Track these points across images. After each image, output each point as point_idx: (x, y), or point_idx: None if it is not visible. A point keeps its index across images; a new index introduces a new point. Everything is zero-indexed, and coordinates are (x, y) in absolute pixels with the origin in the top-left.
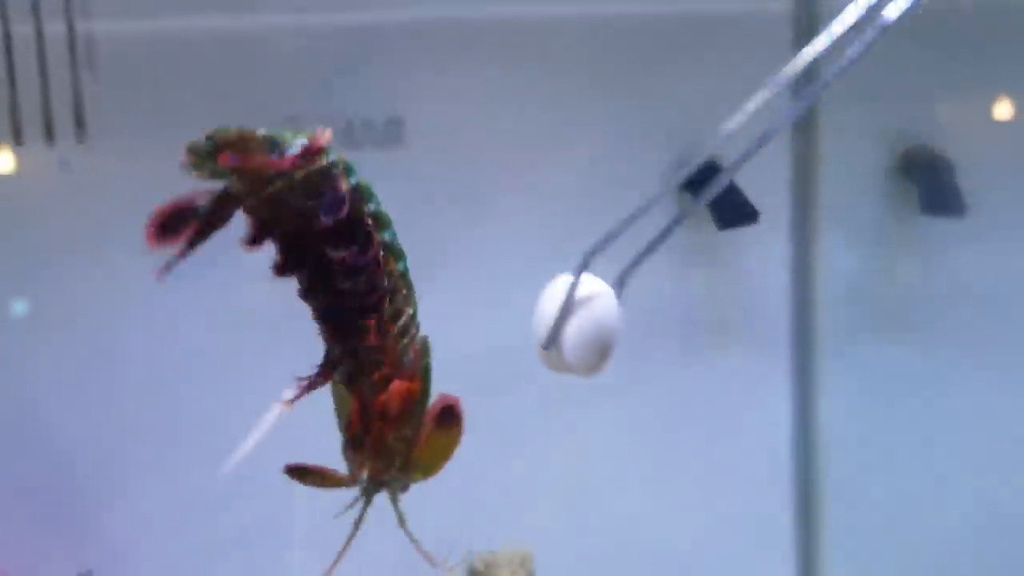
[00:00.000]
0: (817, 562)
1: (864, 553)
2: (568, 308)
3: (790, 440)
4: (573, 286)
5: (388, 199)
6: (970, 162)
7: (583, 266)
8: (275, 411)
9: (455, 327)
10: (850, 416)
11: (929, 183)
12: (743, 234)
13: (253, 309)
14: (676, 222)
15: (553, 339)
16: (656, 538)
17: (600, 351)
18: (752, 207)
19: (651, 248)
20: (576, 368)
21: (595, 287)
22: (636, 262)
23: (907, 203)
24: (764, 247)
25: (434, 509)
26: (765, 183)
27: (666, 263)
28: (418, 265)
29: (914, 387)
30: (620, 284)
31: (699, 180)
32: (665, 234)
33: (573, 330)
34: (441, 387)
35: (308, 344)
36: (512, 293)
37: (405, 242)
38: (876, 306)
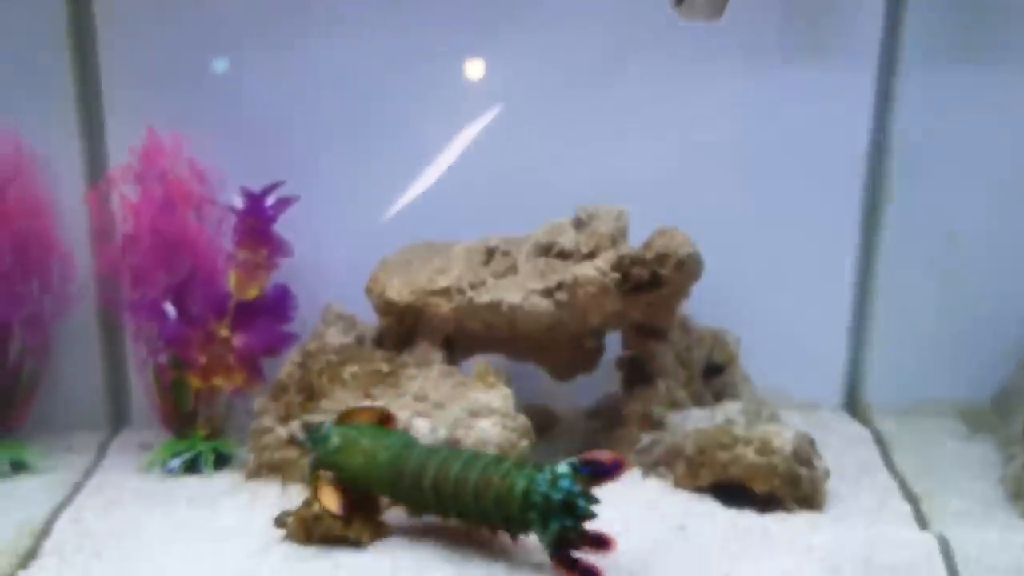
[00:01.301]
0: (874, 274)
1: (917, 268)
2: None
3: (866, 151)
4: None
5: None
6: None
7: None
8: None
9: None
10: (925, 134)
11: None
12: None
13: None
14: None
15: None
16: (728, 232)
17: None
18: None
19: None
20: (704, 15)
21: None
22: None
23: None
24: None
25: (560, 174)
26: None
27: None
28: None
29: (990, 110)
30: None
31: None
32: None
33: None
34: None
35: None
36: None
37: None
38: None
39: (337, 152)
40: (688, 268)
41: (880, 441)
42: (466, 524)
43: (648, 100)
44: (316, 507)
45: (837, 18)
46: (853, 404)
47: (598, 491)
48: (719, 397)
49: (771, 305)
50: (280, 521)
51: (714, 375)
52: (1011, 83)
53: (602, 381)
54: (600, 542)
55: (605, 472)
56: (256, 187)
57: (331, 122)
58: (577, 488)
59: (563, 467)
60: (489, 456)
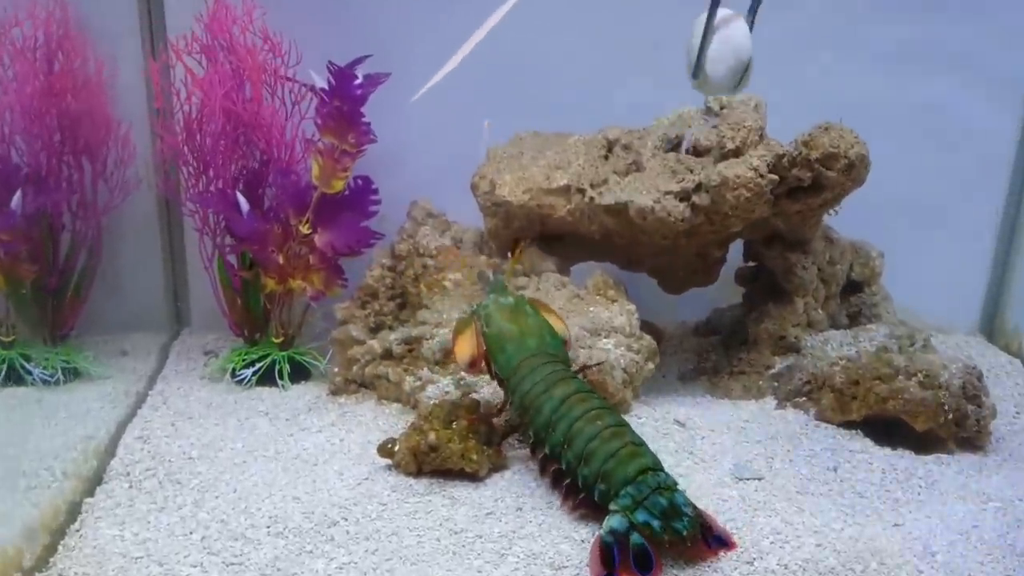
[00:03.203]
0: None
1: None
2: (706, 40)
3: None
4: (708, 20)
5: None
6: None
7: (715, 4)
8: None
9: None
10: None
11: None
12: None
13: None
14: None
15: (698, 69)
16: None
17: (737, 71)
18: None
19: None
20: (721, 89)
21: (727, 17)
22: None
23: None
24: None
25: None
26: None
27: None
28: None
29: None
30: (753, 9)
31: None
32: None
33: (713, 58)
34: None
35: None
36: None
37: None
38: None
39: (430, 24)
40: (857, 172)
41: None
42: (546, 462)
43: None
44: (431, 435)
45: None
46: (992, 328)
47: None
48: (855, 317)
49: (911, 218)
50: (385, 449)
51: (852, 292)
52: None
53: (708, 292)
54: (645, 562)
55: (709, 540)
56: (340, 62)
57: None
58: (688, 507)
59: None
60: (613, 416)
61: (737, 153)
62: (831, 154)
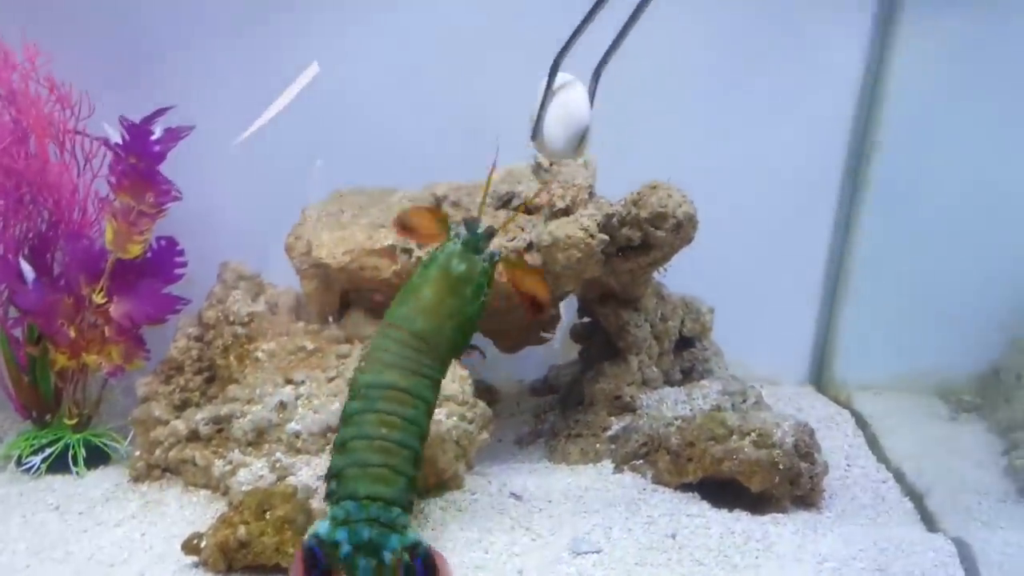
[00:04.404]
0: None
1: (900, 210)
2: (545, 105)
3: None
4: (547, 86)
5: None
6: None
7: (554, 69)
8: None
9: None
10: (918, 79)
11: None
12: None
13: None
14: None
15: (536, 131)
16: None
17: (575, 136)
18: None
19: (623, 35)
20: (560, 154)
21: (568, 83)
22: (610, 52)
23: None
24: None
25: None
26: None
27: None
28: None
29: (987, 63)
30: (596, 76)
31: None
32: (635, 18)
33: (551, 121)
34: None
35: None
36: None
37: None
38: None
39: (236, 71)
40: (685, 231)
41: (860, 423)
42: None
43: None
44: (241, 529)
45: None
46: (821, 379)
47: None
48: (688, 372)
49: (736, 273)
50: (190, 545)
51: (685, 348)
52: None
53: (543, 350)
54: None
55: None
56: (136, 116)
57: (228, 32)
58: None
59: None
60: (407, 435)
61: (567, 212)
62: (659, 213)
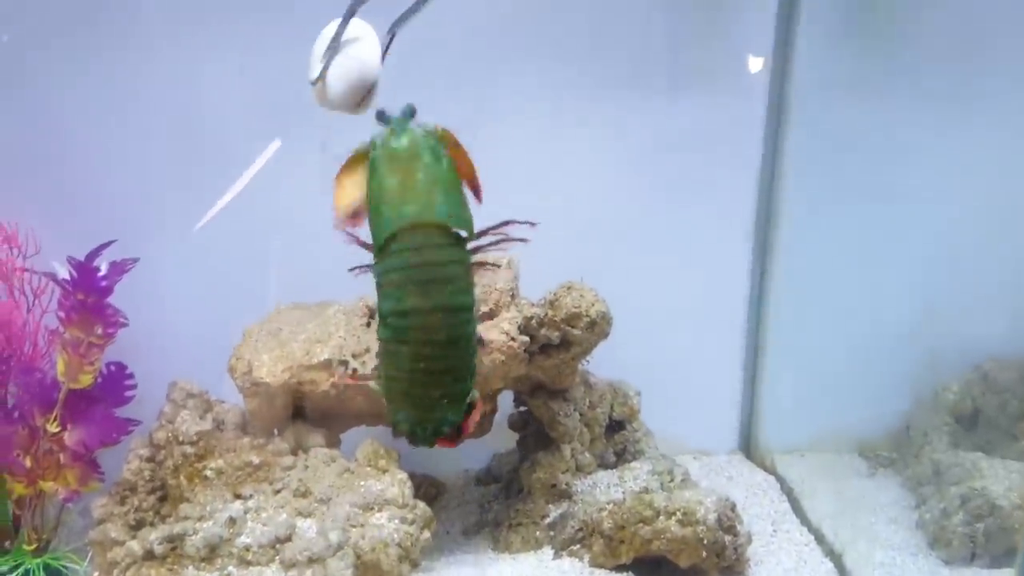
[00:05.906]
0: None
1: (808, 277)
2: (334, 48)
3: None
4: (340, 28)
5: None
6: None
7: (351, 11)
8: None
9: None
10: (812, 161)
11: None
12: None
13: None
14: None
15: (320, 75)
16: (614, 278)
17: (359, 88)
18: None
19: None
20: (341, 105)
21: (361, 31)
22: (410, 12)
23: None
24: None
25: None
26: None
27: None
28: None
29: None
30: (390, 33)
31: None
32: None
33: (337, 68)
34: None
35: None
36: None
37: None
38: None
39: (177, 201)
40: (600, 328)
41: (785, 488)
42: None
43: (522, 139)
44: None
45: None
46: (749, 446)
47: None
48: (621, 454)
49: (660, 351)
50: None
51: (616, 431)
52: (899, 117)
53: (487, 439)
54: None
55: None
56: (79, 249)
57: (168, 163)
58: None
59: None
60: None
61: (491, 315)
62: (574, 314)
